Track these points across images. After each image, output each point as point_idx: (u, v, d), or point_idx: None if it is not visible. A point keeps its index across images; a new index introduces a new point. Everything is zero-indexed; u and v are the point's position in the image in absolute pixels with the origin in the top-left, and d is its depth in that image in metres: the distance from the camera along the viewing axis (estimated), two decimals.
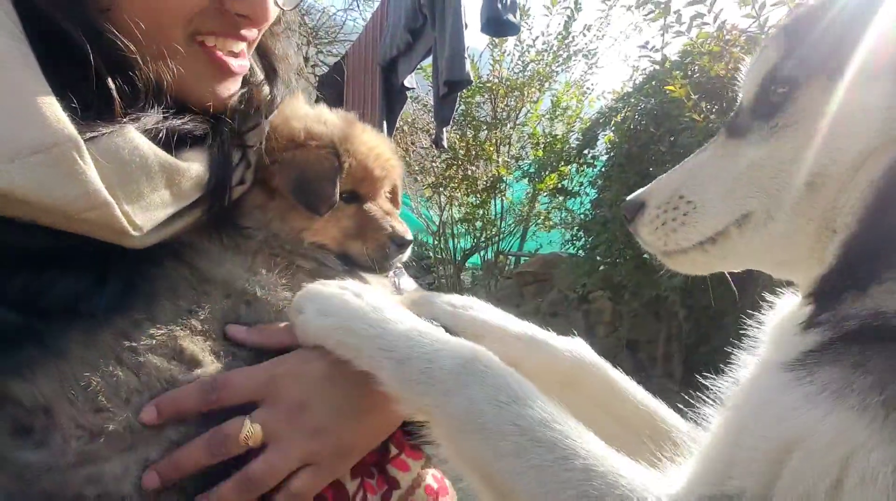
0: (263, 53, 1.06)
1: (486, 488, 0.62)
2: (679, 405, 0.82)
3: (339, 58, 7.56)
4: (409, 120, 7.72)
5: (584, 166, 6.02)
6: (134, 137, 0.77)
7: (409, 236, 1.07)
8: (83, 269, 0.80)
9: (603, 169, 5.97)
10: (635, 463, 0.61)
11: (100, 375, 0.72)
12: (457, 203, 7.16)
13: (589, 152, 6.06)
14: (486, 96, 6.64)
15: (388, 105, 4.91)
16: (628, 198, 0.82)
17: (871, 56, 0.62)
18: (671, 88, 3.70)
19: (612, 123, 5.57)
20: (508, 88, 6.48)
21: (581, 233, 5.91)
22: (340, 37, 11.37)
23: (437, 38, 3.91)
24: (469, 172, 6.66)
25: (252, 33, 0.91)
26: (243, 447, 0.73)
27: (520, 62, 6.58)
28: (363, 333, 0.73)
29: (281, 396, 0.77)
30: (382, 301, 0.79)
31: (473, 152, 6.55)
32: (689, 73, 4.68)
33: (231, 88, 0.92)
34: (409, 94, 5.29)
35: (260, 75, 1.05)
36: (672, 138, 5.04)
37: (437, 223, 7.68)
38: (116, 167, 0.73)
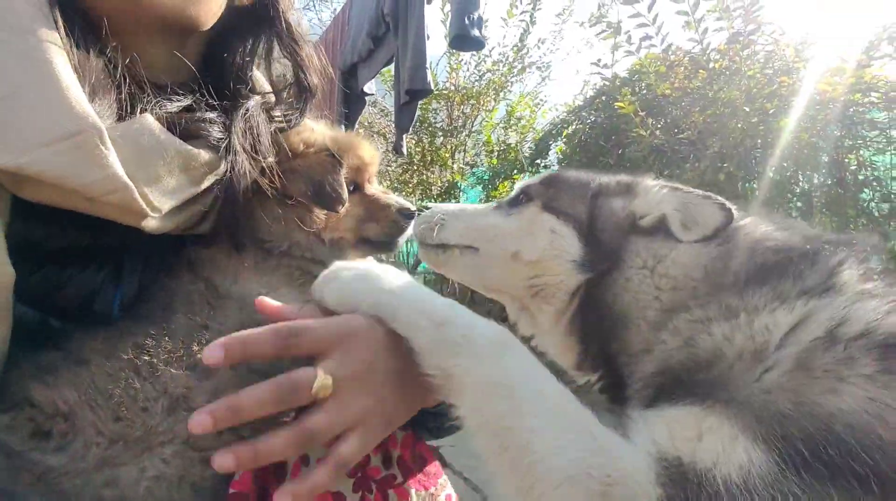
0: (299, 76, 1.11)
1: (497, 445, 0.70)
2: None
3: None
4: (366, 124, 7.72)
5: (536, 174, 6.18)
6: (151, 124, 0.82)
7: (413, 207, 1.17)
8: (100, 266, 0.84)
9: None
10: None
11: (122, 387, 0.76)
12: None
13: (541, 162, 6.24)
14: (443, 103, 6.73)
15: (346, 109, 4.92)
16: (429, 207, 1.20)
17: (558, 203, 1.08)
18: (620, 104, 3.89)
19: (564, 134, 5.77)
20: (464, 97, 6.59)
21: None
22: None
23: (399, 46, 3.96)
24: (424, 177, 6.72)
25: None
26: (310, 398, 0.71)
27: (476, 71, 6.71)
28: (401, 295, 0.81)
29: (352, 352, 0.76)
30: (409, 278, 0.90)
31: (429, 158, 6.62)
32: (637, 90, 4.91)
33: None
34: (366, 98, 5.31)
35: (264, 83, 1.13)
36: (620, 151, 5.27)
37: None
38: (135, 152, 0.78)
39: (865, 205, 4.66)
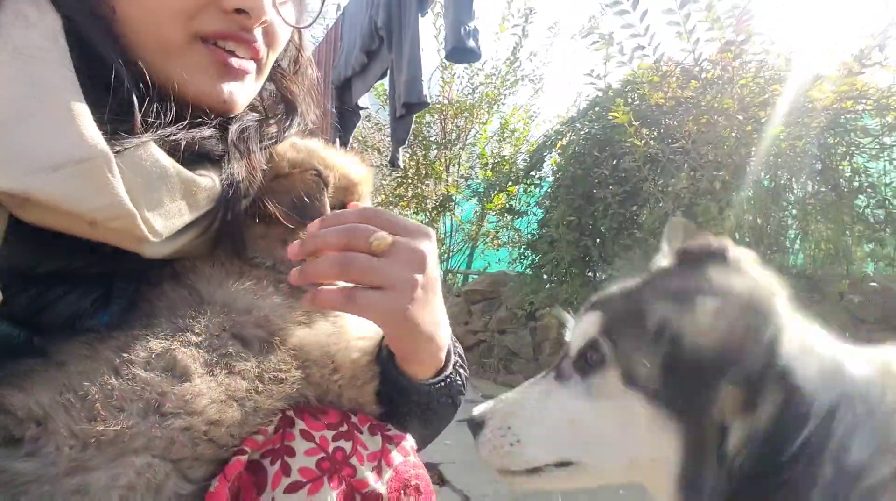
0: (284, 94, 1.14)
1: None
2: None
3: None
4: (361, 138, 7.73)
5: (532, 187, 6.19)
6: (154, 150, 0.82)
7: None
8: (89, 288, 0.83)
9: (549, 190, 6.17)
10: None
11: (98, 384, 0.73)
12: None
13: (535, 174, 6.25)
14: (437, 117, 6.75)
15: (341, 124, 4.92)
16: (474, 412, 0.90)
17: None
18: (614, 114, 3.89)
19: (558, 146, 5.78)
20: (458, 110, 6.61)
21: (528, 252, 6.05)
22: None
23: (393, 60, 3.97)
24: (419, 191, 6.71)
25: (254, 36, 0.94)
26: (366, 246, 0.78)
27: (469, 84, 6.74)
28: None
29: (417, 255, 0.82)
30: None
31: (424, 171, 6.62)
32: (630, 100, 4.93)
33: (234, 91, 0.95)
34: (361, 112, 5.32)
35: (275, 114, 1.12)
36: (615, 162, 5.29)
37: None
38: (140, 179, 0.79)
39: (861, 211, 4.67)
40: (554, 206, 5.73)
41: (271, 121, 1.09)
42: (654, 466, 0.73)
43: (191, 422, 0.75)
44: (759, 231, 4.58)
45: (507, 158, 6.71)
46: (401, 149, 4.55)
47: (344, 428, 0.84)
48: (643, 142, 4.06)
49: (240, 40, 0.92)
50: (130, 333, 0.80)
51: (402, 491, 0.82)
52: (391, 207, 6.99)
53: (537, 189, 6.36)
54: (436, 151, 6.69)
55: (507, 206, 6.35)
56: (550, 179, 6.16)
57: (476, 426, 0.88)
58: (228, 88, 0.94)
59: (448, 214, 7.04)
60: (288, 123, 1.12)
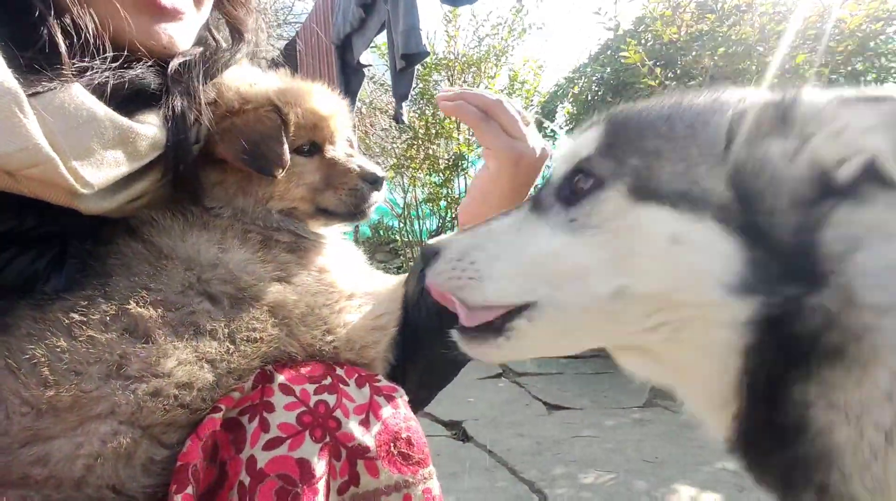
0: (231, 21, 1.05)
1: None
2: None
3: (287, 40, 7.36)
4: (368, 101, 7.57)
5: (545, 139, 6.02)
6: (79, 93, 0.74)
7: (381, 172, 1.02)
8: (42, 249, 0.78)
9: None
10: None
11: (45, 347, 0.68)
12: (419, 183, 7.08)
13: (548, 126, 6.06)
14: (444, 74, 6.56)
15: (345, 83, 4.79)
16: (429, 242, 0.77)
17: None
18: (626, 54, 3.71)
19: (570, 95, 5.58)
20: (465, 64, 6.40)
21: None
22: (290, 19, 11.07)
23: (389, 12, 3.82)
24: (430, 152, 6.58)
25: None
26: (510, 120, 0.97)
27: (475, 37, 6.51)
28: None
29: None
30: None
31: (434, 131, 6.48)
32: (644, 41, 4.71)
33: (171, 32, 0.87)
34: (365, 72, 5.18)
35: (218, 43, 1.02)
36: None
37: (402, 205, 7.60)
38: (61, 123, 0.71)
39: None
40: None
41: (217, 52, 0.98)
42: (661, 298, 0.59)
43: (158, 385, 0.70)
44: None
45: None
46: (405, 104, 4.42)
47: (327, 381, 0.79)
48: (658, 82, 3.88)
49: None
50: (82, 293, 0.75)
51: (392, 444, 0.76)
52: (402, 169, 6.88)
53: (551, 142, 6.19)
54: None
55: None
56: (565, 131, 5.98)
57: (431, 255, 0.73)
58: (167, 30, 0.86)
59: (462, 173, 6.90)
60: (235, 51, 1.01)
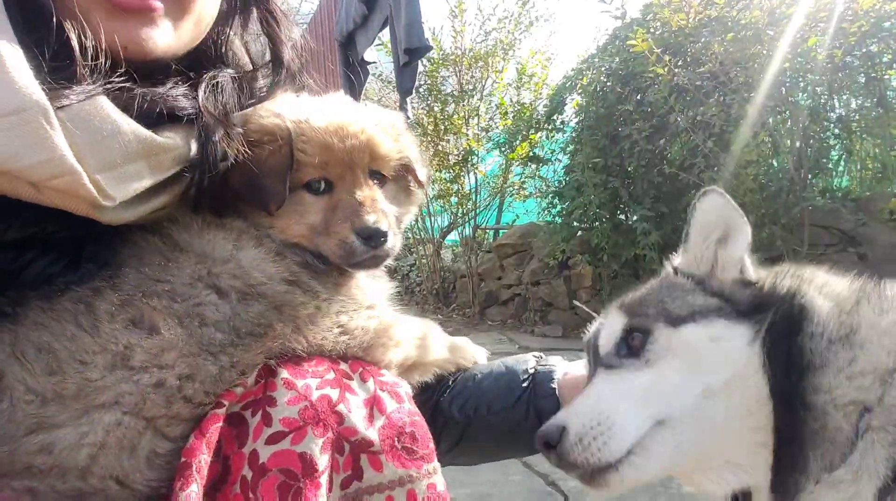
0: (272, 41, 1.04)
1: None
2: None
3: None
4: (375, 98, 7.58)
5: (554, 132, 5.98)
6: (105, 105, 0.75)
7: (382, 226, 0.91)
8: (61, 253, 0.79)
9: (572, 134, 5.95)
10: None
11: (51, 336, 0.69)
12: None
13: (557, 118, 6.03)
14: (451, 70, 6.54)
15: (349, 81, 4.80)
16: (543, 427, 0.87)
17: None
18: (633, 42, 3.67)
19: (579, 86, 5.54)
20: (472, 59, 6.38)
21: (556, 200, 5.90)
22: (299, 20, 11.11)
23: (392, 6, 3.82)
24: (440, 148, 6.57)
25: None
26: None
27: (482, 31, 6.49)
28: None
29: None
30: None
31: (443, 127, 6.47)
32: (652, 29, 4.66)
33: (155, 36, 0.85)
34: (371, 70, 5.19)
35: (246, 59, 1.02)
36: (639, 96, 5.04)
37: None
38: (86, 135, 0.72)
39: None
40: (579, 149, 5.51)
41: (255, 75, 0.99)
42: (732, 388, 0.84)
43: (162, 377, 0.70)
44: (798, 155, 4.30)
45: (527, 105, 6.48)
46: (409, 100, 4.41)
47: (331, 376, 0.78)
48: (667, 70, 3.83)
49: None
50: (91, 284, 0.75)
51: (396, 439, 0.76)
52: None
53: (560, 135, 6.15)
54: (453, 105, 6.51)
55: (531, 154, 6.16)
56: (573, 123, 5.94)
57: (556, 434, 0.85)
58: (147, 34, 0.83)
59: (471, 169, 6.90)
60: (275, 78, 1.01)
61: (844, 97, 4.81)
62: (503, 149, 6.34)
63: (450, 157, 6.58)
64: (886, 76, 4.13)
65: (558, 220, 5.82)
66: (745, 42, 3.49)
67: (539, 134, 6.04)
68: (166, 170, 0.81)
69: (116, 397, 0.68)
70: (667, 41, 4.28)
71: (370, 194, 0.94)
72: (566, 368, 1.14)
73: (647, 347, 0.88)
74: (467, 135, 6.36)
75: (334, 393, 0.76)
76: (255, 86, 0.98)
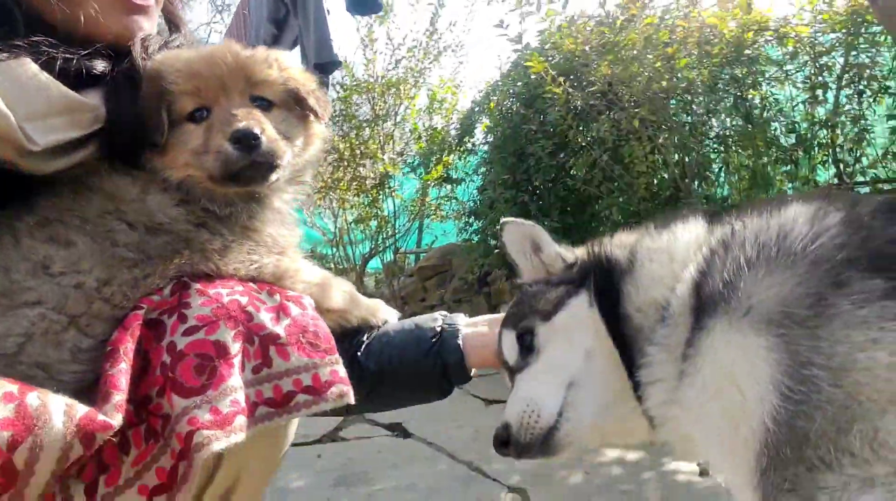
0: (169, 16, 1.19)
1: None
2: None
3: None
4: None
5: (466, 154, 6.26)
6: (33, 66, 0.83)
7: (253, 129, 0.92)
8: None
9: (483, 155, 6.28)
10: None
11: None
12: (348, 205, 7.16)
13: (468, 140, 6.33)
14: (365, 96, 6.73)
15: None
16: (494, 433, 1.09)
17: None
18: (530, 63, 3.99)
19: (486, 110, 5.87)
20: (385, 86, 6.61)
21: (472, 219, 6.13)
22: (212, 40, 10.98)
23: (301, 26, 3.96)
24: (357, 173, 6.70)
25: None
26: None
27: (392, 60, 6.75)
28: None
29: None
30: None
31: (358, 152, 6.61)
32: (549, 58, 5.06)
33: (142, 24, 1.02)
34: None
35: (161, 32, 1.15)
36: (542, 117, 5.42)
37: (334, 231, 7.64)
38: (14, 87, 0.79)
39: (774, 138, 4.93)
40: (490, 169, 5.83)
41: (169, 39, 1.12)
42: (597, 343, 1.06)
43: (81, 279, 0.77)
44: (683, 167, 4.78)
45: (439, 129, 6.76)
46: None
47: (240, 288, 0.88)
48: (562, 90, 4.18)
49: None
50: (10, 211, 0.82)
51: (301, 335, 0.85)
52: (330, 191, 6.95)
53: (472, 156, 6.46)
54: (368, 130, 6.68)
55: (446, 176, 6.41)
56: (485, 147, 6.27)
57: (504, 433, 1.06)
58: (137, 22, 1.00)
59: (389, 193, 7.04)
60: (174, 38, 1.15)
61: (721, 117, 5.41)
62: (418, 171, 6.56)
63: (367, 181, 6.70)
64: (750, 96, 4.69)
65: (475, 238, 6.05)
66: (626, 62, 3.89)
67: (452, 156, 6.30)
68: (86, 127, 0.90)
69: (39, 296, 0.75)
70: (561, 66, 4.66)
71: (246, 110, 0.97)
72: (468, 322, 1.28)
73: (536, 341, 1.12)
74: (383, 159, 6.52)
75: (244, 299, 0.85)
76: (167, 46, 1.11)
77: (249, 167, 0.93)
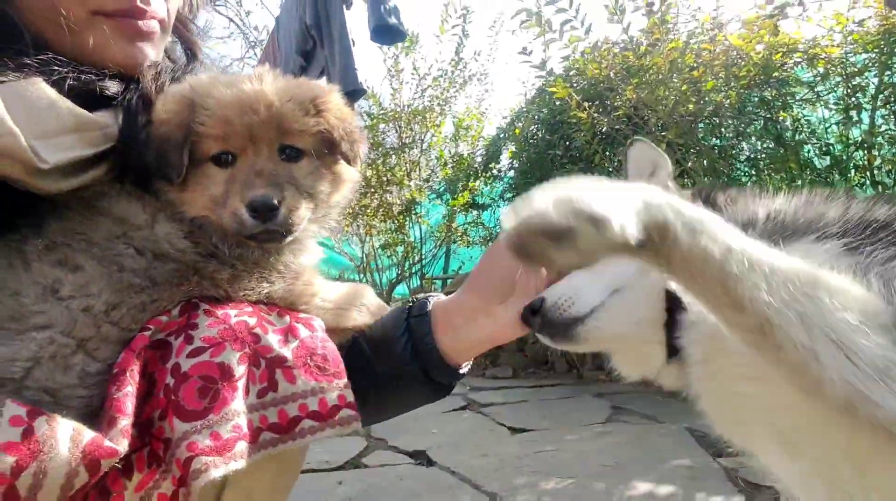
0: (186, 43, 1.20)
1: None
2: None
3: None
4: None
5: (492, 179, 6.28)
6: (43, 85, 0.84)
7: (271, 200, 0.90)
8: None
9: (509, 181, 6.30)
10: None
11: None
12: (375, 231, 7.22)
13: (494, 166, 6.35)
14: (391, 125, 6.84)
15: None
16: (527, 305, 1.11)
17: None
18: (554, 89, 4.00)
19: (511, 135, 5.91)
20: (411, 115, 6.70)
21: None
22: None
23: (327, 57, 4.05)
24: (384, 199, 6.77)
25: (148, 6, 0.99)
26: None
27: (418, 89, 6.86)
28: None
29: None
30: None
31: (385, 179, 6.68)
32: (573, 83, 5.09)
33: (147, 51, 1.02)
34: None
35: (178, 60, 1.17)
36: (567, 143, 5.42)
37: (361, 257, 7.70)
38: (23, 106, 0.80)
39: (808, 160, 4.82)
40: (516, 194, 5.82)
41: (181, 67, 1.13)
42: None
43: (89, 303, 0.78)
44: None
45: (465, 156, 6.81)
46: None
47: (248, 309, 0.87)
48: (587, 114, 4.17)
49: (137, 15, 0.98)
50: (19, 233, 0.83)
51: (309, 358, 0.84)
52: (358, 217, 7.02)
53: (498, 182, 6.47)
54: (395, 157, 6.77)
55: (472, 201, 6.42)
56: (511, 173, 6.29)
57: (536, 302, 1.09)
58: (141, 50, 1.00)
59: (416, 219, 7.08)
60: (191, 67, 1.16)
61: (752, 140, 5.32)
62: (444, 198, 6.60)
63: (394, 207, 6.76)
64: (781, 118, 4.60)
65: None
66: (652, 86, 3.87)
67: (478, 182, 6.33)
68: (97, 145, 0.89)
69: (49, 320, 0.75)
70: (586, 91, 4.67)
71: (269, 166, 0.94)
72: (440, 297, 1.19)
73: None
74: (410, 186, 6.58)
75: (252, 320, 0.84)
76: (180, 74, 1.11)
77: (265, 232, 0.92)
